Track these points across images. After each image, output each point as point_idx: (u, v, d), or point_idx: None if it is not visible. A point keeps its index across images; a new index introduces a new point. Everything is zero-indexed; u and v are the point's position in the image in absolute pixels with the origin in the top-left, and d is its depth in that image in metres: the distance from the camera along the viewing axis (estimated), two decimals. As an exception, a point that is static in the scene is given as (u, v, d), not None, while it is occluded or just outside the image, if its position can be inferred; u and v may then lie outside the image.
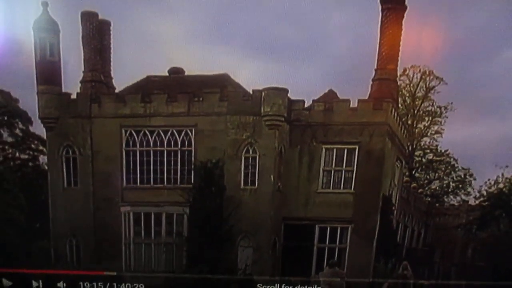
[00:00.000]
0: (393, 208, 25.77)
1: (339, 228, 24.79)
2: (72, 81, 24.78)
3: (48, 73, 23.56)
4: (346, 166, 24.45)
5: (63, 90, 23.99)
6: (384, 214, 24.96)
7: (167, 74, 26.34)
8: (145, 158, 24.44)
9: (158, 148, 24.44)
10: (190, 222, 23.78)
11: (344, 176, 24.52)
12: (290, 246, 24.83)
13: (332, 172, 24.64)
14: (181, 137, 24.30)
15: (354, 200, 24.43)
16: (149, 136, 24.36)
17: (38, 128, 27.16)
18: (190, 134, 24.23)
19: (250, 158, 24.04)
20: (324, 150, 24.40)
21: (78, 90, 24.99)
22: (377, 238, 24.64)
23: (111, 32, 26.28)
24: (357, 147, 24.17)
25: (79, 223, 24.32)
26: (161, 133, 24.32)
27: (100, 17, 25.23)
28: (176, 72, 26.12)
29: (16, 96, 28.54)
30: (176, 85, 24.82)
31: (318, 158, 24.37)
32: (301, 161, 24.59)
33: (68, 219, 24.20)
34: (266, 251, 24.12)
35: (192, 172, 23.82)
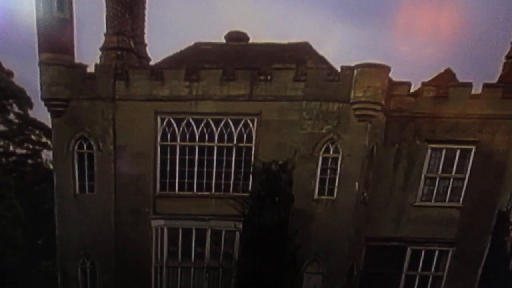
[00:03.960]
0: (510, 227, 19.28)
1: (436, 252, 19.20)
2: (89, 48, 18.44)
3: (55, 35, 16.75)
4: (456, 172, 18.24)
5: (76, 60, 17.54)
6: (496, 235, 19.01)
7: (223, 41, 20.00)
8: (187, 157, 17.98)
9: (206, 144, 17.81)
10: (244, 241, 18.29)
11: (452, 185, 18.38)
12: (372, 274, 19.46)
13: (437, 180, 18.41)
14: (238, 130, 17.68)
15: (460, 217, 18.69)
16: (194, 127, 17.71)
17: (41, 113, 21.00)
18: (250, 125, 17.64)
19: (330, 160, 17.73)
20: (429, 151, 18.04)
21: (98, 61, 18.42)
22: (484, 265, 19.14)
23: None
24: (473, 148, 17.86)
25: (95, 240, 18.75)
26: (211, 123, 17.65)
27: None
28: (236, 38, 19.51)
29: (10, 67, 22.42)
30: (235, 57, 18.09)
31: (421, 162, 18.11)
32: (397, 165, 18.34)
33: (80, 235, 18.75)
34: (340, 279, 18.73)
35: (251, 176, 17.98)
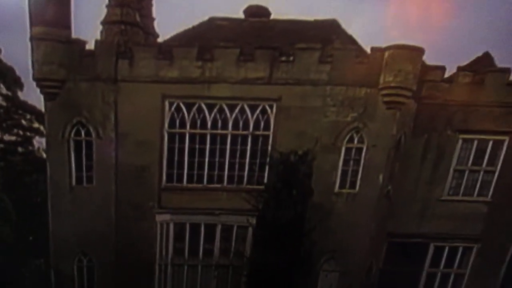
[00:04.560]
0: (538, 225, 18.16)
1: (460, 248, 17.92)
2: (88, 22, 16.36)
3: (50, 6, 14.66)
4: (486, 165, 16.82)
5: (73, 35, 15.42)
6: (523, 231, 17.65)
7: (242, 16, 17.94)
8: (197, 146, 16.13)
9: (219, 131, 16.00)
10: (257, 237, 16.70)
11: (482, 178, 17.01)
12: (391, 271, 18.06)
13: (466, 173, 17.00)
14: (254, 116, 15.90)
15: (488, 212, 17.32)
16: (206, 113, 15.87)
17: (32, 95, 18.87)
18: (268, 111, 15.87)
19: (354, 150, 16.17)
20: (460, 142, 16.57)
21: (98, 37, 16.28)
22: (509, 264, 17.96)
23: None
24: (507, 139, 16.41)
25: (93, 237, 16.85)
26: (224, 108, 15.83)
27: None
28: (256, 14, 17.37)
29: None
30: (254, 35, 16.11)
31: (450, 153, 16.63)
32: (425, 157, 16.84)
33: (76, 231, 16.82)
34: (358, 277, 17.37)
35: (266, 167, 16.26)
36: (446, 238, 17.57)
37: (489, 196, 17.09)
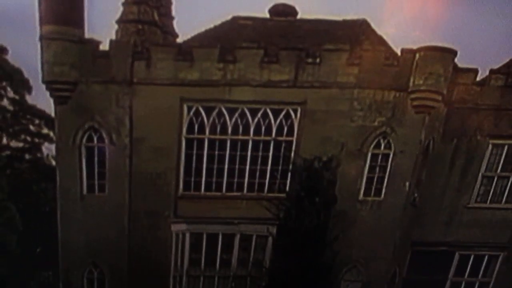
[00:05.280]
0: None
1: (486, 257, 17.36)
2: (103, 20, 15.55)
3: (61, 3, 13.68)
4: None
5: (86, 34, 14.53)
6: (549, 240, 17.09)
7: (267, 15, 17.12)
8: (216, 152, 15.26)
9: (240, 137, 15.12)
10: (277, 247, 16.04)
11: (510, 185, 16.37)
12: (415, 281, 17.45)
13: (495, 179, 16.39)
14: (277, 121, 15.04)
15: None
16: (227, 118, 14.99)
17: (41, 99, 17.81)
18: (292, 116, 15.03)
19: (380, 156, 15.39)
20: (490, 147, 15.92)
21: (113, 36, 15.43)
22: None
23: None
24: None
25: (105, 248, 16.05)
26: (246, 113, 14.95)
27: None
28: (282, 13, 16.52)
29: (4, 42, 18.92)
30: (279, 36, 15.30)
31: (479, 159, 16.03)
32: (454, 163, 16.21)
33: (87, 241, 16.06)
34: (380, 287, 16.69)
35: (289, 174, 15.49)
36: (473, 247, 16.98)
37: (517, 203, 16.49)
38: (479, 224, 16.60)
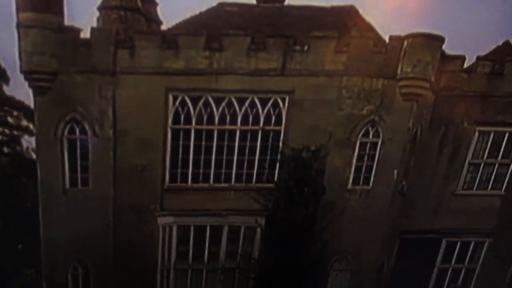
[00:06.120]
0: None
1: (472, 243, 17.47)
2: (83, 7, 15.37)
3: None
4: (502, 157, 16.28)
5: (66, 22, 13.79)
6: (536, 225, 17.17)
7: (253, 1, 16.75)
8: (203, 143, 14.83)
9: (227, 127, 14.75)
10: (265, 238, 15.78)
11: (496, 172, 16.49)
12: (402, 269, 17.34)
13: (481, 166, 16.46)
14: (265, 110, 14.71)
15: (501, 205, 16.87)
16: (214, 107, 14.57)
17: (20, 90, 17.34)
18: (280, 105, 14.71)
19: (368, 145, 15.21)
20: (477, 134, 15.97)
21: (94, 24, 14.84)
22: None
23: None
24: None
25: (90, 242, 15.46)
26: (233, 102, 14.56)
27: None
28: None
29: None
30: (266, 23, 14.89)
31: (466, 146, 16.06)
32: (441, 150, 16.22)
33: (71, 237, 15.37)
34: (369, 276, 16.72)
35: (277, 164, 15.22)
36: (459, 233, 17.04)
37: (503, 190, 16.63)
38: (466, 211, 16.61)
